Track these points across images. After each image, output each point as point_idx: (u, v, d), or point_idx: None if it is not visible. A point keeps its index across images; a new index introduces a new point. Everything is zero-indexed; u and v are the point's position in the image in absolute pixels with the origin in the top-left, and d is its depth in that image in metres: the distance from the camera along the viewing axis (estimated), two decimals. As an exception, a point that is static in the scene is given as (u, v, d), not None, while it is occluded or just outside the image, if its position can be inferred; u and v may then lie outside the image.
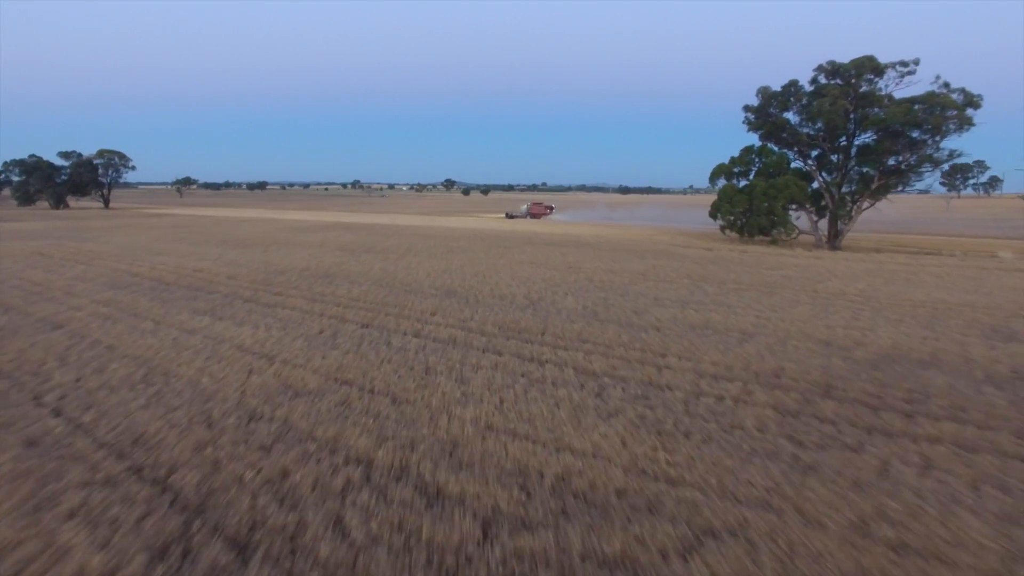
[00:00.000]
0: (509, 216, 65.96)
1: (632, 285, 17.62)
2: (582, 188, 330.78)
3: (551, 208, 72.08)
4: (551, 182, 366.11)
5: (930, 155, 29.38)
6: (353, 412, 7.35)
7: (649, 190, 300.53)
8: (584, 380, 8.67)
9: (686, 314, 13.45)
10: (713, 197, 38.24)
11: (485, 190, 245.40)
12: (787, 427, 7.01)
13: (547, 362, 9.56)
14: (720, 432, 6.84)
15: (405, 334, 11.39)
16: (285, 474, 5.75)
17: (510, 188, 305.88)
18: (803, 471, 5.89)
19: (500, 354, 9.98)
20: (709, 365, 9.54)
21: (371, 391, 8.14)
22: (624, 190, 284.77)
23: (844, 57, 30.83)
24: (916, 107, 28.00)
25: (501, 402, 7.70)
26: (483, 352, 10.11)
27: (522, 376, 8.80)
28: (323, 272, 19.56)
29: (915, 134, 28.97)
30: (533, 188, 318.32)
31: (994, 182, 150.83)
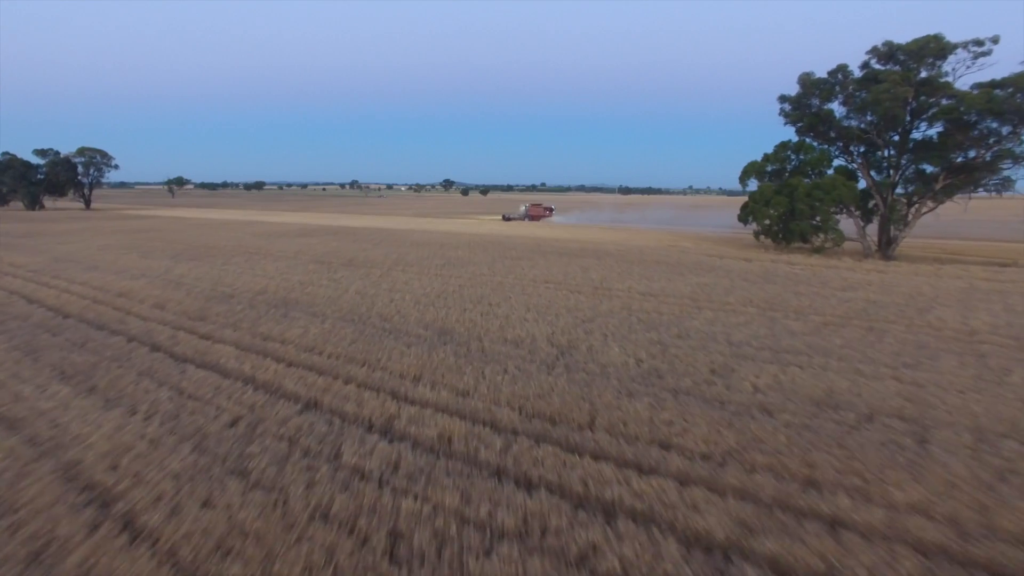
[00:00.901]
0: (506, 218, 60.94)
1: (687, 319, 13.22)
2: (581, 188, 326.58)
3: (551, 210, 67.34)
4: (550, 182, 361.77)
5: (1010, 149, 25.03)
6: None
7: (649, 190, 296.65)
8: (709, 581, 4.29)
9: (791, 376, 9.08)
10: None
11: (484, 190, 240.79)
12: None
13: (618, 511, 5.18)
14: None
15: (369, 429, 6.98)
16: None
17: (509, 188, 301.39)
18: None
19: (529, 488, 5.59)
20: (912, 515, 5.18)
21: (263, 634, 3.75)
22: (625, 190, 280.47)
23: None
24: (998, 92, 23.65)
25: None
26: (497, 482, 5.71)
27: (584, 570, 4.40)
28: (281, 298, 15.13)
29: (994, 124, 24.63)
30: (532, 188, 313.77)
31: (1006, 183, 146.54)
